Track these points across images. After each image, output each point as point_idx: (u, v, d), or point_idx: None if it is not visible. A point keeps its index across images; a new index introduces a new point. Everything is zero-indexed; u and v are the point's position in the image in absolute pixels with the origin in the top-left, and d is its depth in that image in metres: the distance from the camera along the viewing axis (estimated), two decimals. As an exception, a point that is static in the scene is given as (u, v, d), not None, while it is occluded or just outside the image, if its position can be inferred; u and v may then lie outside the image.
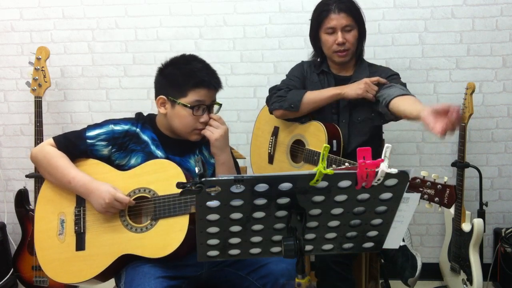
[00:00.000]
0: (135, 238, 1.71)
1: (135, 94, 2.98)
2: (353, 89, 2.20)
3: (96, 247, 1.74)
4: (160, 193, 1.73)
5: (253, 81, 2.91)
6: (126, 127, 1.85)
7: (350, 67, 2.33)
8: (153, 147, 1.84)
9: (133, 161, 1.82)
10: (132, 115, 1.93)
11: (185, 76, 1.80)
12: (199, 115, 1.79)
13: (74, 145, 1.81)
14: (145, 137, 1.85)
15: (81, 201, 1.79)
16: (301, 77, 2.40)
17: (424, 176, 1.79)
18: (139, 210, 1.77)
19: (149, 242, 1.70)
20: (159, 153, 1.84)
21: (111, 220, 1.75)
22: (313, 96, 2.27)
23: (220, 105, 1.88)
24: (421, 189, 1.78)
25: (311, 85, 2.36)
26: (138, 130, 1.85)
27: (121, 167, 1.82)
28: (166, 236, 1.69)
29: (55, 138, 1.83)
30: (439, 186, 1.74)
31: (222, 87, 1.87)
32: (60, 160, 1.78)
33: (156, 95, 1.85)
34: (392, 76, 2.25)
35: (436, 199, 1.75)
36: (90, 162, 1.82)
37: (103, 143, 1.81)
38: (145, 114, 1.95)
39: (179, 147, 1.87)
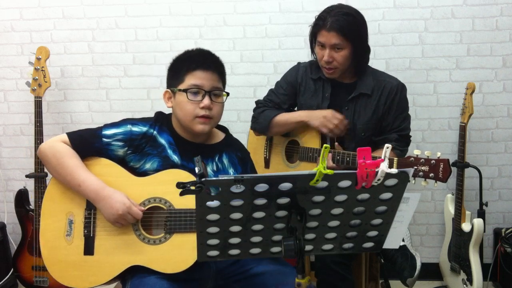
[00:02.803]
0: (148, 250, 1.66)
1: (135, 94, 2.97)
2: (314, 118, 2.19)
3: (105, 253, 1.68)
4: (176, 205, 1.67)
5: (253, 81, 2.91)
6: (144, 129, 1.77)
7: (351, 75, 2.27)
8: (169, 151, 1.77)
9: (148, 166, 1.75)
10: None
11: (182, 62, 1.78)
12: (197, 100, 1.72)
13: (89, 143, 1.73)
14: (162, 141, 1.78)
15: (91, 204, 1.71)
16: (291, 86, 2.37)
17: (417, 155, 1.79)
18: (151, 220, 1.71)
19: (162, 256, 1.65)
20: (175, 158, 1.76)
21: (122, 227, 1.68)
22: (282, 121, 2.29)
23: (227, 94, 1.80)
24: (415, 166, 1.77)
25: (307, 92, 2.32)
26: (155, 132, 1.78)
27: (135, 170, 1.75)
28: (180, 252, 1.63)
29: (69, 135, 1.75)
30: (432, 161, 1.75)
31: (222, 69, 1.80)
32: (70, 161, 1.69)
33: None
34: (398, 116, 2.22)
35: (431, 174, 1.75)
36: (104, 162, 1.73)
37: (119, 143, 1.74)
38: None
39: (197, 151, 1.74)
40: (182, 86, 1.74)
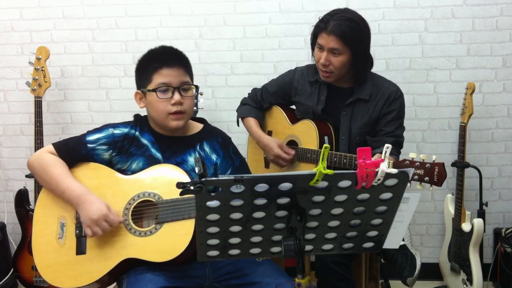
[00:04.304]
0: (139, 242, 1.68)
1: (135, 94, 2.97)
2: (267, 151, 2.39)
3: (97, 251, 1.70)
4: (165, 197, 1.71)
5: (253, 81, 2.90)
6: (125, 130, 1.83)
7: (349, 79, 2.24)
8: (153, 150, 1.82)
9: (134, 166, 1.80)
10: (132, 115, 1.93)
11: (147, 62, 1.81)
12: (167, 98, 1.75)
13: (75, 151, 1.78)
14: (144, 141, 1.84)
15: None
16: (280, 89, 2.41)
17: (413, 158, 1.79)
18: (142, 214, 1.75)
19: (154, 246, 1.67)
20: (159, 155, 1.82)
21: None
22: (247, 127, 2.49)
23: (196, 87, 1.85)
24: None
25: (303, 95, 2.32)
26: (137, 133, 1.84)
27: (123, 172, 1.80)
28: (172, 239, 1.66)
29: (54, 145, 1.79)
30: (427, 165, 1.75)
31: (187, 63, 1.83)
32: (55, 169, 1.73)
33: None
34: (391, 122, 2.20)
35: (426, 178, 1.75)
36: (93, 166, 1.79)
37: (103, 147, 1.79)
38: (143, 114, 1.94)
39: (177, 144, 1.85)
40: (150, 86, 1.78)
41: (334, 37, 2.07)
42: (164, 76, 1.76)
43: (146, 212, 1.74)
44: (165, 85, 1.76)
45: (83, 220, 1.68)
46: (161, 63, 1.77)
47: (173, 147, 1.84)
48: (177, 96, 1.76)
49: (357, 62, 2.15)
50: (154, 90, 1.76)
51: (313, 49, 2.25)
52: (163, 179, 1.74)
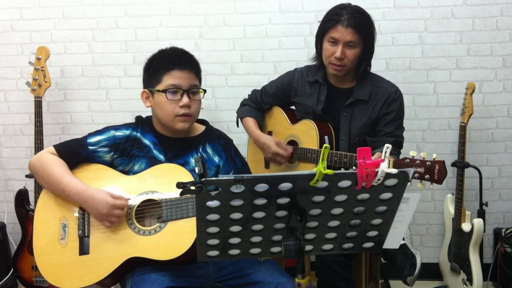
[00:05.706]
0: (143, 241, 1.68)
1: (135, 94, 2.95)
2: (264, 150, 2.38)
3: (101, 251, 1.69)
4: (168, 196, 1.71)
5: (253, 81, 2.90)
6: (127, 132, 1.83)
7: (350, 79, 2.26)
8: (155, 152, 1.83)
9: (136, 167, 1.81)
10: (132, 115, 1.94)
11: (158, 62, 1.82)
12: (176, 100, 1.77)
13: (76, 152, 1.78)
14: (146, 142, 1.84)
15: None
16: (280, 90, 2.42)
17: (413, 156, 1.79)
18: (144, 213, 1.75)
19: (158, 244, 1.67)
20: (161, 157, 1.82)
21: (117, 223, 1.71)
22: (246, 127, 2.49)
23: (204, 91, 1.86)
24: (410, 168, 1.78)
25: (303, 95, 2.33)
26: (139, 135, 1.84)
27: (125, 173, 1.81)
28: (176, 238, 1.66)
29: (56, 146, 1.79)
30: (428, 163, 1.75)
31: (198, 67, 1.85)
32: (55, 168, 1.73)
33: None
34: (391, 123, 2.20)
35: (427, 176, 1.76)
36: (95, 167, 1.79)
37: (105, 149, 1.79)
38: (144, 115, 1.94)
39: (180, 145, 1.85)
40: (160, 87, 1.79)
41: (351, 30, 2.08)
42: (174, 78, 1.77)
43: (148, 211, 1.74)
44: (175, 87, 1.77)
45: (95, 217, 1.69)
46: (173, 64, 1.78)
47: (175, 148, 1.84)
48: (185, 99, 1.77)
49: (365, 56, 2.17)
50: (164, 91, 1.77)
51: (318, 45, 2.24)
52: (166, 178, 1.74)
